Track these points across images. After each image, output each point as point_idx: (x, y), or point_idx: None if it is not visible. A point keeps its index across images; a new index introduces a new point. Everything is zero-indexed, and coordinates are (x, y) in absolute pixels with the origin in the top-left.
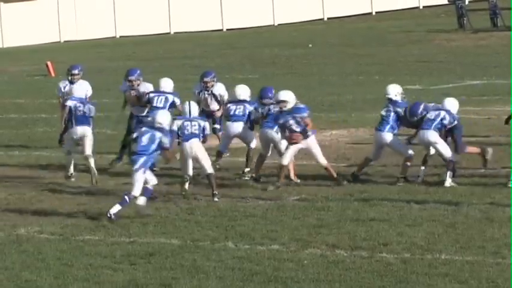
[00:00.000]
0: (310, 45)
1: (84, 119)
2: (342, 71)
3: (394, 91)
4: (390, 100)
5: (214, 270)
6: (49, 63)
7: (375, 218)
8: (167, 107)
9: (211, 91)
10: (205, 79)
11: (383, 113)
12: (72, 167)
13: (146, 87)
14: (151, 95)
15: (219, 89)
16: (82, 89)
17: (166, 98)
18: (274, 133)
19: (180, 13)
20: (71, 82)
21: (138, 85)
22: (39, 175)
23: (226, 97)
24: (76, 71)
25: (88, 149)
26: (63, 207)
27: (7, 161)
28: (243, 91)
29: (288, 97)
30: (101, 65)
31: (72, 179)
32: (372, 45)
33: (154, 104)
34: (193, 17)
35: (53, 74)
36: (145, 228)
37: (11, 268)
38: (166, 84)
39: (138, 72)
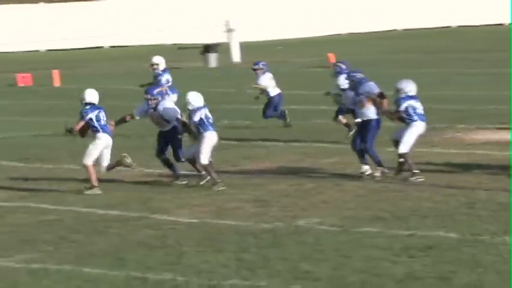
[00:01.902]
0: None
1: None
2: None
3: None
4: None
5: (494, 264)
6: (330, 55)
7: None
8: None
9: None
10: None
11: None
12: None
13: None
14: None
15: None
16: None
17: None
18: None
19: (460, 6)
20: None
21: None
22: (319, 166)
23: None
24: (256, 66)
25: None
26: (342, 199)
27: (287, 151)
28: None
29: None
30: (378, 58)
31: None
32: None
33: None
34: (476, 11)
35: None
36: (424, 221)
37: (290, 259)
38: None
39: None
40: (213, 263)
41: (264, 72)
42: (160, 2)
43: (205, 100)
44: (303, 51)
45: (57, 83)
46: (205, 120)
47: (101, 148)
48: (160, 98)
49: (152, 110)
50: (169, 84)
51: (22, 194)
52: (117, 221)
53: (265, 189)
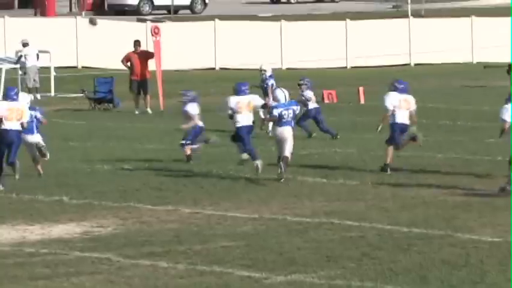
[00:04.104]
0: None
1: None
2: None
3: None
4: None
5: None
6: None
7: None
8: None
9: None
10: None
11: None
12: None
13: None
14: None
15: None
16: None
17: None
18: None
19: None
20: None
21: None
22: None
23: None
24: (301, 82)
25: None
26: None
27: None
28: None
29: None
30: None
31: None
32: None
33: None
34: None
35: None
36: None
37: None
38: None
39: None
40: None
41: (307, 88)
42: (466, 21)
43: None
44: None
45: (362, 100)
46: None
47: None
48: None
49: None
50: (274, 87)
51: (326, 209)
52: (420, 239)
53: None
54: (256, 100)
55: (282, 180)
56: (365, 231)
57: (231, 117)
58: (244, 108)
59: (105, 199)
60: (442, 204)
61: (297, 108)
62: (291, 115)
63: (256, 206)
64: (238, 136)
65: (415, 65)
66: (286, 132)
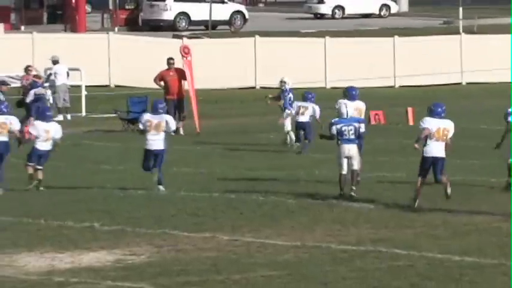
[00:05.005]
0: None
1: None
2: None
3: None
4: None
5: None
6: None
7: None
8: None
9: None
10: None
11: None
12: None
13: None
14: None
15: None
16: None
17: None
18: None
19: None
20: None
21: None
22: None
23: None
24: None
25: None
26: None
27: None
28: None
29: None
30: None
31: None
32: None
33: None
34: None
35: None
36: None
37: None
38: None
39: None
40: None
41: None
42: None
43: None
44: None
45: (411, 121)
46: (338, 133)
47: None
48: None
49: None
50: (291, 101)
51: (373, 237)
52: (472, 268)
53: None
54: (171, 124)
55: (353, 194)
56: (414, 260)
57: (142, 132)
58: (153, 128)
59: (138, 225)
60: (496, 232)
61: (359, 125)
62: (351, 131)
63: (298, 233)
64: (144, 157)
65: (467, 84)
66: (352, 150)
